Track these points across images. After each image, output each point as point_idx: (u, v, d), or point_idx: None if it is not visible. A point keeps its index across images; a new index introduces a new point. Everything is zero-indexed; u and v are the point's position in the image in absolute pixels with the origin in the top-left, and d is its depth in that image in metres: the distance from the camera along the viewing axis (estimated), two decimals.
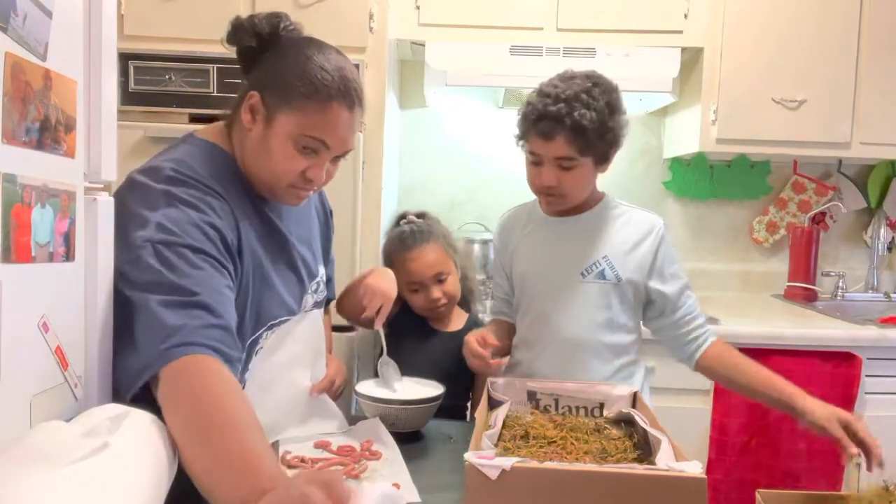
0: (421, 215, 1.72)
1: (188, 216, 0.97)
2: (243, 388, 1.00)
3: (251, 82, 1.10)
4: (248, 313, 1.09)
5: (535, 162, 1.37)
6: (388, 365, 1.41)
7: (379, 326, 1.38)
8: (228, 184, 1.08)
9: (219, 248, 1.00)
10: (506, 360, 1.51)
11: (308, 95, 1.04)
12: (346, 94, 1.07)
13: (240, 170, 1.13)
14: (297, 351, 1.22)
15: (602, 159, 1.37)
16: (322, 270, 1.32)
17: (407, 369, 1.42)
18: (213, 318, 0.92)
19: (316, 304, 1.29)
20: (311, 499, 0.62)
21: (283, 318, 1.17)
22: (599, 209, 1.45)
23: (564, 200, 1.40)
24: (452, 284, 1.63)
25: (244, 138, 1.10)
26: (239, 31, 1.10)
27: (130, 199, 0.97)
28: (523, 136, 1.38)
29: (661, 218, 1.46)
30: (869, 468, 1.16)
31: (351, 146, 1.12)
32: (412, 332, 1.63)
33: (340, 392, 1.38)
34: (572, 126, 1.28)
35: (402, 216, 1.73)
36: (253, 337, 1.12)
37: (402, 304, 1.69)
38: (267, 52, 1.10)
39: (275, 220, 1.16)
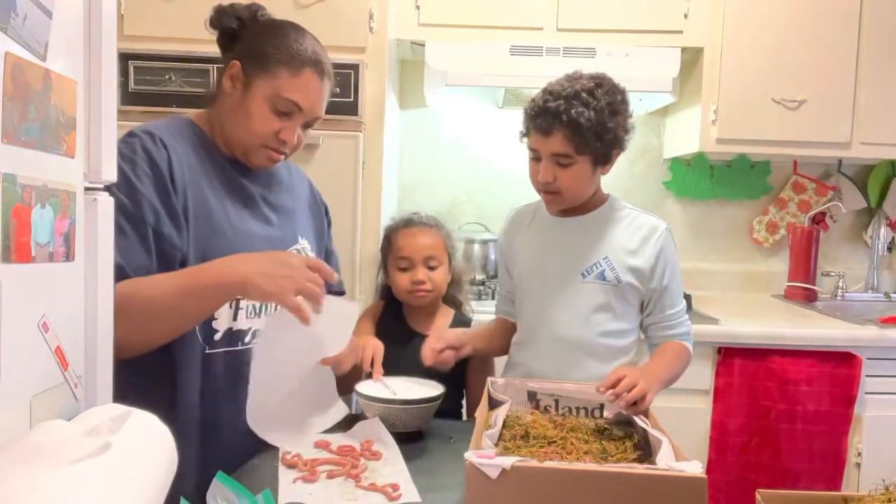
0: (431, 217, 1.73)
1: (122, 173, 1.05)
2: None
3: (231, 55, 1.23)
4: (191, 256, 1.15)
5: (535, 158, 1.39)
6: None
7: (378, 375, 1.37)
8: (188, 145, 1.20)
9: (143, 200, 1.09)
10: (450, 354, 1.45)
11: (284, 62, 1.19)
12: (316, 63, 1.22)
13: (209, 140, 1.25)
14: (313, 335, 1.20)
15: (602, 160, 1.37)
16: (305, 243, 1.36)
17: (391, 371, 1.41)
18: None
19: None
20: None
21: None
22: (603, 210, 1.45)
23: (562, 198, 1.40)
24: (440, 275, 1.62)
25: (224, 104, 1.23)
26: (222, 15, 1.25)
27: None
28: (526, 131, 1.40)
29: (666, 222, 1.46)
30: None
31: (320, 113, 1.26)
32: (395, 335, 1.62)
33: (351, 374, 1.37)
34: (569, 123, 1.29)
35: (415, 213, 1.74)
36: None
37: (383, 306, 1.69)
38: (246, 32, 1.24)
39: (247, 185, 1.27)
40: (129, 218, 1.08)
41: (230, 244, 1.18)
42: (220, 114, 1.24)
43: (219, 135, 1.25)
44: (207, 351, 1.17)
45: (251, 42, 1.22)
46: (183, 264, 1.13)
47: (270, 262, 1.10)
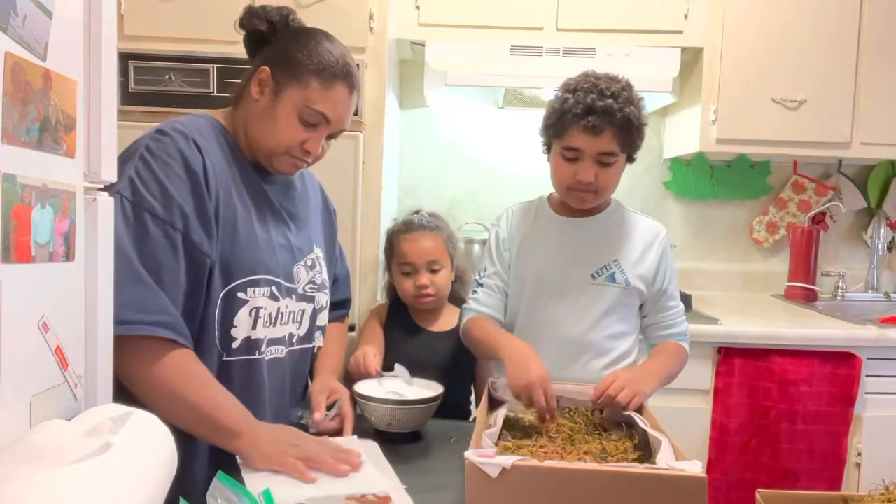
0: (433, 214, 1.74)
1: (154, 174, 1.07)
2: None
3: (261, 60, 1.22)
4: (216, 263, 1.13)
5: (572, 158, 1.36)
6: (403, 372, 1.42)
7: (375, 372, 1.42)
8: (217, 148, 1.17)
9: (174, 204, 1.08)
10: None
11: (316, 73, 1.18)
12: (347, 76, 1.21)
13: (234, 143, 1.23)
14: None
15: (633, 155, 1.40)
16: (319, 252, 1.35)
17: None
18: (166, 299, 1.05)
19: (311, 283, 1.31)
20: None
21: (266, 277, 1.19)
22: (610, 212, 1.48)
23: (598, 196, 1.41)
24: (443, 278, 1.63)
25: (250, 108, 1.21)
26: (253, 17, 1.23)
27: (123, 154, 1.10)
28: (561, 131, 1.35)
29: (662, 223, 1.50)
30: None
31: (346, 125, 1.25)
32: (401, 332, 1.63)
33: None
34: (622, 121, 1.31)
35: (416, 211, 1.75)
36: (228, 288, 1.14)
37: (389, 304, 1.69)
38: (276, 36, 1.23)
39: (269, 192, 1.25)
40: (158, 221, 1.06)
41: (253, 252, 1.17)
42: (245, 118, 1.22)
43: (242, 138, 1.23)
44: (225, 358, 1.16)
45: (282, 48, 1.20)
46: (212, 270, 1.12)
47: (283, 431, 1.10)
